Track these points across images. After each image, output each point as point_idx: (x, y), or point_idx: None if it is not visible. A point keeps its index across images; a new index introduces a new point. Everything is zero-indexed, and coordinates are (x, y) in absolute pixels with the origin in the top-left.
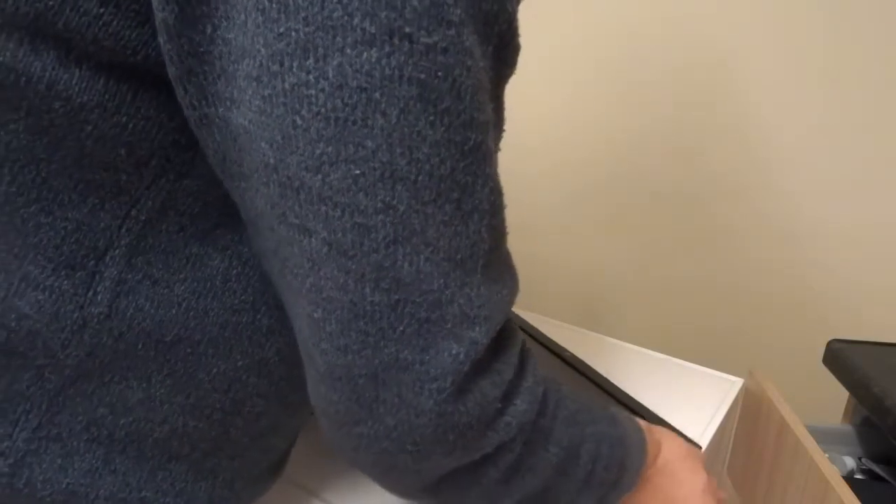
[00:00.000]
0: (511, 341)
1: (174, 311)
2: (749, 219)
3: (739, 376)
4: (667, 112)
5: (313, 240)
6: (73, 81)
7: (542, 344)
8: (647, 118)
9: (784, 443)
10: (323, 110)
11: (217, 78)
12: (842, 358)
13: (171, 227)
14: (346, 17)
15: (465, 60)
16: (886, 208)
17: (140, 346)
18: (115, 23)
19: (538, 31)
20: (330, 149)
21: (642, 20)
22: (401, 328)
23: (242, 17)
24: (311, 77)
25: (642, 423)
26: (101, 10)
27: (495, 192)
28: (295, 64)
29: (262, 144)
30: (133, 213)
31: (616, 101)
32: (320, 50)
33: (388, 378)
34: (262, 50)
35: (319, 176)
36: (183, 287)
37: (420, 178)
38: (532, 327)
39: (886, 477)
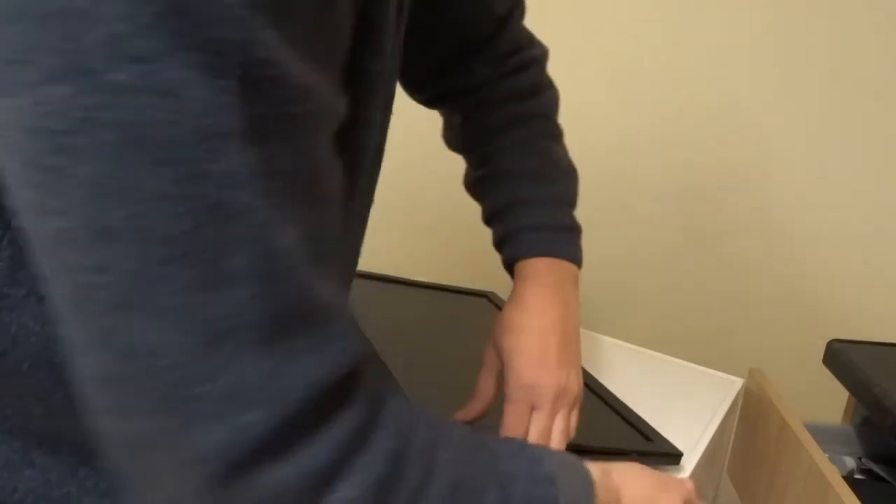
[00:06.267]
0: (338, 415)
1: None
2: (749, 219)
3: (739, 376)
4: (667, 112)
5: (53, 289)
6: None
7: None
8: (647, 119)
9: (784, 443)
10: (25, 155)
11: None
12: (842, 358)
13: None
14: (29, 50)
15: (170, 102)
16: (887, 208)
17: (27, 365)
18: None
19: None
20: (37, 197)
21: (646, 23)
22: (144, 402)
23: None
24: (9, 117)
25: (598, 468)
26: None
27: (273, 257)
28: None
29: None
30: (14, 224)
31: (616, 101)
32: (9, 86)
33: (147, 452)
34: None
35: (35, 225)
36: None
37: (144, 236)
38: None
39: (886, 477)
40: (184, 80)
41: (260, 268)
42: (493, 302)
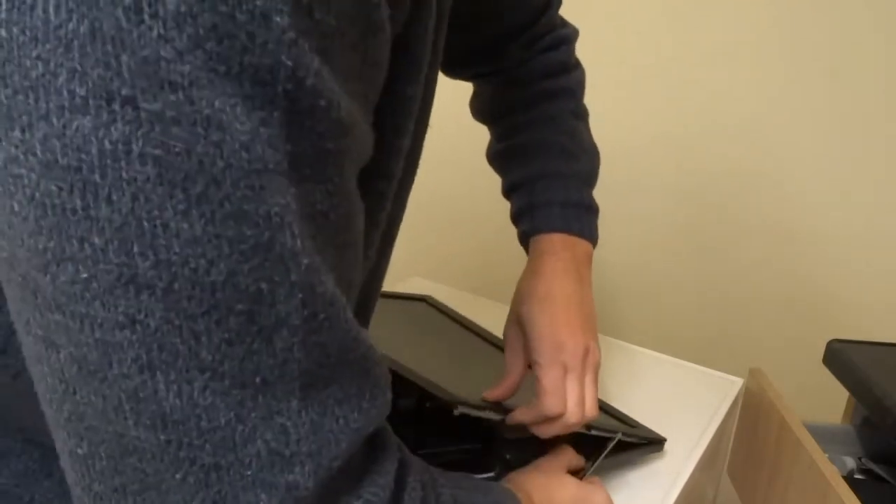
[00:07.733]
0: (379, 466)
1: None
2: (750, 219)
3: (739, 376)
4: (668, 113)
5: (61, 355)
6: None
7: None
8: (649, 120)
9: (784, 443)
10: (37, 195)
11: None
12: (842, 358)
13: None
14: (47, 77)
15: (210, 134)
16: (887, 208)
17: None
18: None
19: None
20: (52, 244)
21: (649, 21)
22: (179, 476)
23: None
24: (19, 152)
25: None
26: None
27: (315, 304)
28: (3, 135)
29: None
30: None
31: (617, 102)
32: (24, 118)
33: None
34: None
35: (48, 277)
36: None
37: (178, 285)
38: None
39: (886, 477)
40: (224, 109)
41: (307, 315)
42: (432, 305)
